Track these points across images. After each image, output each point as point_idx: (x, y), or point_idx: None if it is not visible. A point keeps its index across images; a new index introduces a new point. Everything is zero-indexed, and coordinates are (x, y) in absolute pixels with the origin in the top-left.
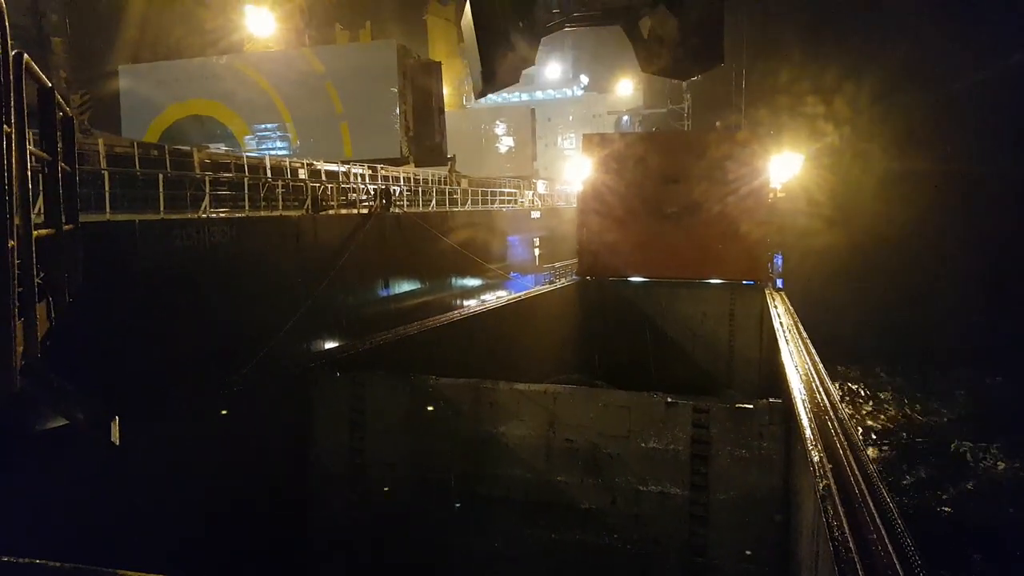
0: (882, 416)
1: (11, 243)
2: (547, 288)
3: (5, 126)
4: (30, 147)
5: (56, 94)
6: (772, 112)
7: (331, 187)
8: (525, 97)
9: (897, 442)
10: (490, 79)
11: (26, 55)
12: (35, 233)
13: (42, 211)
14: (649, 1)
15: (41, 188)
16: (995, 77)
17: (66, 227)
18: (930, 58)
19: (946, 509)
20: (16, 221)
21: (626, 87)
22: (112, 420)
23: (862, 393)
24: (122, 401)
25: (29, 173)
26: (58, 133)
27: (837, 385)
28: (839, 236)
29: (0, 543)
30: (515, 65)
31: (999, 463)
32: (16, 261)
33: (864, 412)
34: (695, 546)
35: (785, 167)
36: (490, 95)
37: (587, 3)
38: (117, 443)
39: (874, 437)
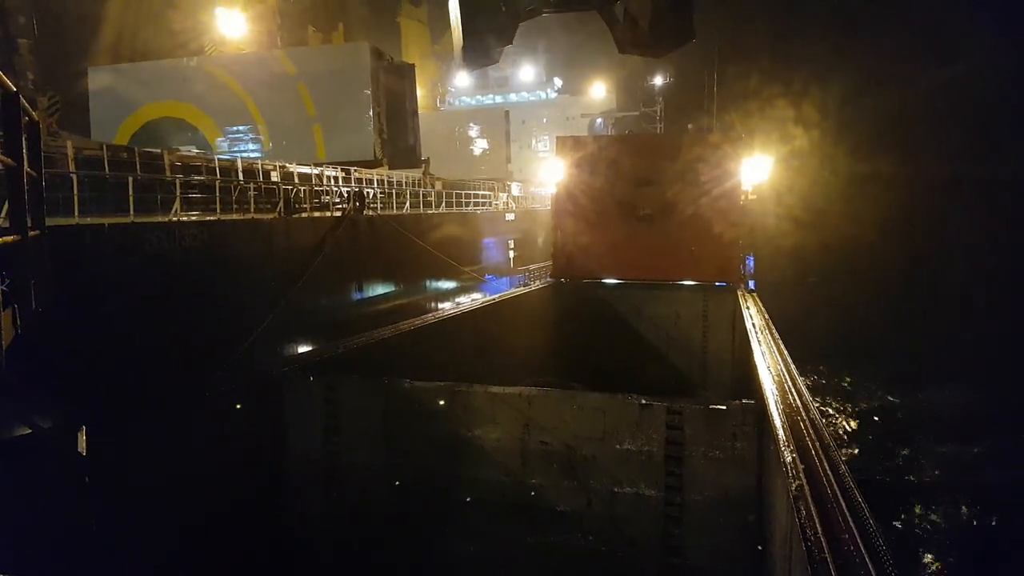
0: (852, 415)
1: None
2: (522, 290)
3: None
4: None
5: (21, 98)
6: (743, 115)
7: (304, 190)
8: (499, 99)
9: (868, 441)
10: (471, 57)
11: None
12: (0, 240)
13: (7, 217)
14: None
15: (6, 193)
16: (959, 78)
17: (32, 233)
18: (894, 61)
19: (918, 507)
20: None
21: (599, 90)
22: (79, 429)
23: (833, 392)
24: (92, 406)
25: None
26: (23, 138)
27: (808, 385)
28: (808, 237)
29: None
30: (495, 44)
31: (968, 461)
32: None
33: (835, 411)
34: (670, 547)
35: (756, 169)
36: (463, 97)
37: None
38: (83, 452)
39: (845, 436)
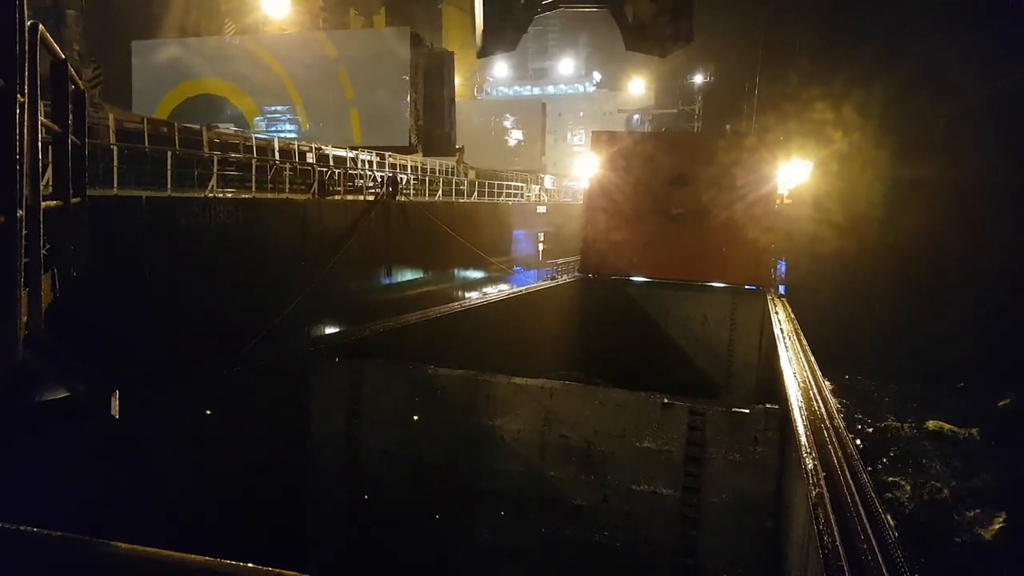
0: (880, 427)
1: (19, 212)
2: (549, 284)
3: (19, 96)
4: (41, 118)
5: (69, 67)
6: (780, 118)
7: (338, 172)
8: (536, 91)
9: (894, 454)
10: (490, 42)
11: (41, 26)
12: (43, 204)
13: (50, 183)
14: None
15: (50, 160)
16: (1008, 88)
17: (74, 200)
18: (941, 68)
19: (940, 522)
20: (25, 192)
21: (638, 86)
22: (112, 394)
23: (863, 403)
24: (123, 378)
25: (40, 144)
26: (69, 106)
27: (837, 394)
28: (847, 243)
29: (3, 513)
30: (513, 33)
31: (1001, 477)
32: (23, 231)
33: (863, 422)
34: (686, 547)
35: (793, 173)
36: (501, 87)
37: None
38: (116, 417)
39: (871, 447)
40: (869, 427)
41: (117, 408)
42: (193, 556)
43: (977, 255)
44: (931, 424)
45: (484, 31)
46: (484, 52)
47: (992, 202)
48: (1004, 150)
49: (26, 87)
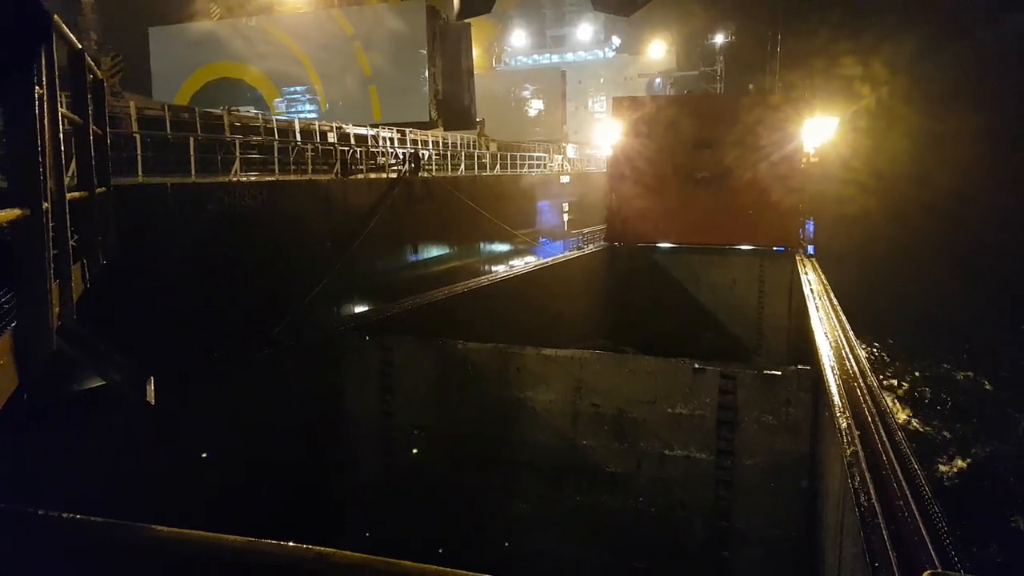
0: (914, 384)
1: (45, 205)
2: (575, 254)
3: (37, 88)
4: (62, 110)
5: (87, 56)
6: (806, 74)
7: (360, 151)
8: (555, 59)
9: (929, 410)
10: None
11: (56, 16)
12: (68, 196)
13: (74, 174)
14: None
15: (73, 151)
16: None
17: (98, 190)
18: (971, 6)
19: (977, 477)
20: (49, 184)
21: (658, 49)
22: (148, 380)
23: (896, 361)
24: (156, 360)
25: (61, 136)
26: (89, 96)
27: (869, 352)
28: (875, 202)
29: (38, 497)
30: None
31: None
32: (50, 224)
33: (896, 380)
34: (720, 511)
35: (819, 131)
36: (519, 57)
37: None
38: (152, 402)
39: (904, 405)
40: (904, 384)
41: (152, 394)
42: (232, 536)
43: (1006, 205)
44: (965, 379)
45: None
46: (463, 14)
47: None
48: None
49: (44, 79)
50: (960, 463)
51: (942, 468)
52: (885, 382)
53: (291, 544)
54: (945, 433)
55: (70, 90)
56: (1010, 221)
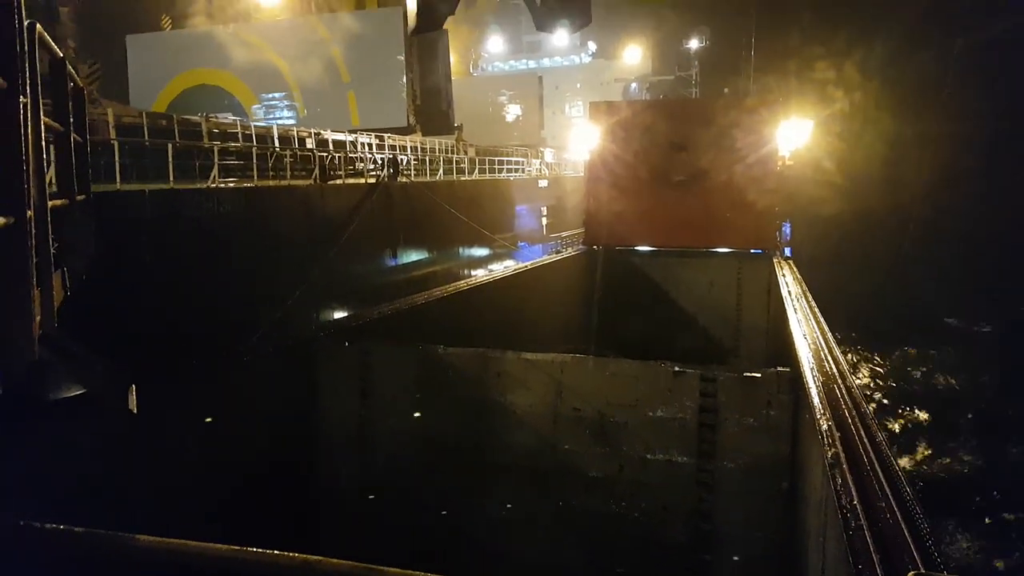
0: (893, 384)
1: (28, 213)
2: (555, 258)
3: (21, 97)
4: (43, 118)
5: (68, 65)
6: (781, 77)
7: (339, 156)
8: (532, 64)
9: (908, 410)
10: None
11: (39, 25)
12: (49, 203)
13: (54, 181)
14: None
15: (53, 158)
16: (1011, 30)
17: (79, 197)
18: (944, 14)
19: (956, 477)
20: (32, 192)
21: (634, 54)
22: (129, 388)
23: (873, 362)
24: (134, 369)
25: (43, 144)
26: (70, 104)
27: (847, 354)
28: (849, 204)
29: (19, 510)
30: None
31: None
32: (32, 231)
33: (874, 381)
34: (702, 513)
35: (794, 134)
36: (496, 62)
37: None
38: (134, 411)
39: (883, 405)
40: (882, 385)
41: (134, 402)
42: (218, 545)
43: (986, 210)
44: (940, 380)
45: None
46: (416, 29)
47: (997, 151)
48: (1007, 95)
49: (27, 87)
50: (941, 463)
51: (923, 469)
52: (864, 383)
53: (276, 552)
54: (925, 434)
55: (51, 98)
56: (981, 222)
